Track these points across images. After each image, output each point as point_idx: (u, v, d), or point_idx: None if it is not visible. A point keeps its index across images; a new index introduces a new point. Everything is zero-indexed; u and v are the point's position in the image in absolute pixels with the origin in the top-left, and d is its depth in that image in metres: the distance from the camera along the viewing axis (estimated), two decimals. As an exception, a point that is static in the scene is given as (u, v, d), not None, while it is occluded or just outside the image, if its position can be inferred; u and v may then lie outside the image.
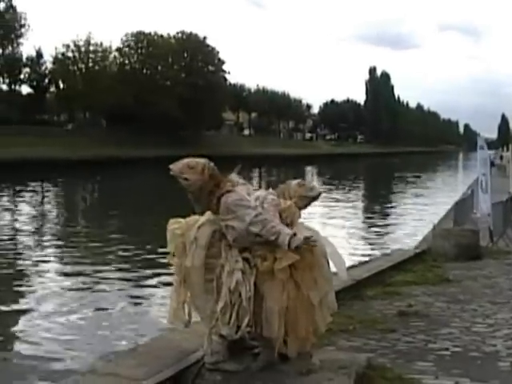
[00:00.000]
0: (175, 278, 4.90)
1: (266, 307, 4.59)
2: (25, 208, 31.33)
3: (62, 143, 62.55)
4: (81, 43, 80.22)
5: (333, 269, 4.90)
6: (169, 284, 5.48)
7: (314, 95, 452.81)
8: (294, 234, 4.47)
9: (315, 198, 5.25)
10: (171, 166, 4.65)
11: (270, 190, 5.14)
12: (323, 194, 6.19)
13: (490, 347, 6.30)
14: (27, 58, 78.28)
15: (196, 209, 4.84)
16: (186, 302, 4.85)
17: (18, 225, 25.45)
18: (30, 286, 14.43)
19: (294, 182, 5.22)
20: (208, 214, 4.79)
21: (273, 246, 4.52)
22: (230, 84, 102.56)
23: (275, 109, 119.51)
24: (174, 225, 4.87)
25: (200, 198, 4.69)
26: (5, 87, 76.71)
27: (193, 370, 4.72)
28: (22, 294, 13.74)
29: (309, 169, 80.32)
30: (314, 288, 4.62)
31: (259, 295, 4.59)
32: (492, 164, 34.65)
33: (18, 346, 10.37)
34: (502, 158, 70.13)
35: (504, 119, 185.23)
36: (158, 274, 14.47)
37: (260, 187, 6.07)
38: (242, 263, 4.58)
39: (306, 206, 5.17)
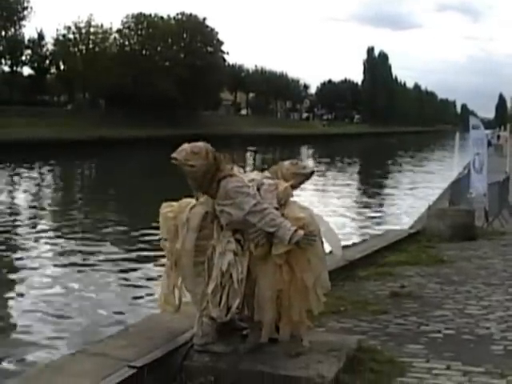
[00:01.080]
0: (166, 263, 4.86)
1: (258, 291, 4.55)
2: (21, 188, 31.24)
3: (60, 124, 62.19)
4: (82, 25, 79.78)
5: (327, 247, 4.84)
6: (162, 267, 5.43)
7: (312, 75, 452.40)
8: (296, 230, 4.39)
9: (308, 177, 5.19)
10: (174, 155, 4.46)
11: (266, 173, 5.03)
12: (317, 174, 6.13)
13: (483, 330, 6.21)
14: (29, 40, 77.83)
15: (196, 194, 4.74)
16: (177, 287, 4.83)
17: (14, 203, 25.44)
18: (20, 265, 14.46)
19: (287, 162, 5.17)
20: (200, 196, 4.71)
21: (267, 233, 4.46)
22: (229, 64, 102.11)
23: (273, 89, 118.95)
24: (167, 208, 4.81)
25: (202, 183, 4.54)
26: (6, 69, 76.46)
27: (181, 352, 4.67)
28: (11, 272, 13.76)
29: (304, 148, 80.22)
30: (307, 269, 4.56)
31: (251, 278, 4.55)
32: (489, 144, 34.50)
33: (6, 325, 10.35)
34: (499, 137, 70.01)
35: (502, 99, 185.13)
36: (152, 256, 14.43)
37: (254, 166, 5.99)
38: (235, 244, 4.51)
39: (299, 185, 5.11)
